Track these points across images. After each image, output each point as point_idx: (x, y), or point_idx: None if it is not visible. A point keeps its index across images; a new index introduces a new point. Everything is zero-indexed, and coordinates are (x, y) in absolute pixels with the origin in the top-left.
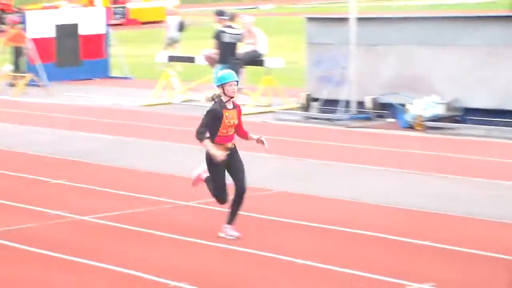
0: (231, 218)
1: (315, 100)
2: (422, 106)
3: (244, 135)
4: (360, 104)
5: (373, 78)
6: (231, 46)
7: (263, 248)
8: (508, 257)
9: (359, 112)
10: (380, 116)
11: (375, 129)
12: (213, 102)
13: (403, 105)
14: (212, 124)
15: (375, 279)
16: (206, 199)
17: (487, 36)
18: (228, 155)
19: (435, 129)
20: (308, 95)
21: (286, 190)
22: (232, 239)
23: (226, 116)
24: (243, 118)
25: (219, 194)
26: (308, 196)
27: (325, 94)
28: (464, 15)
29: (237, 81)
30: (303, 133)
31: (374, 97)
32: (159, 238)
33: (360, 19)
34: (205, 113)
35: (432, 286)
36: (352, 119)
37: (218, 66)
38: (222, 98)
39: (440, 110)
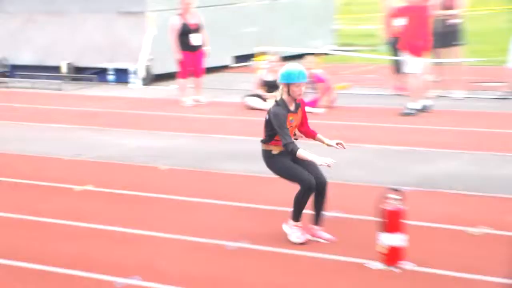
0: (318, 218)
1: None
2: None
3: (311, 135)
4: None
5: None
6: None
7: None
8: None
9: None
10: None
11: None
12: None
13: None
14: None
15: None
16: None
17: (28, 5)
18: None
19: None
20: None
21: None
22: (325, 242)
23: (289, 121)
24: None
25: (307, 182)
26: None
27: None
28: None
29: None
30: None
31: None
32: None
33: None
34: (271, 118)
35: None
36: None
37: None
38: (284, 99)
39: None
